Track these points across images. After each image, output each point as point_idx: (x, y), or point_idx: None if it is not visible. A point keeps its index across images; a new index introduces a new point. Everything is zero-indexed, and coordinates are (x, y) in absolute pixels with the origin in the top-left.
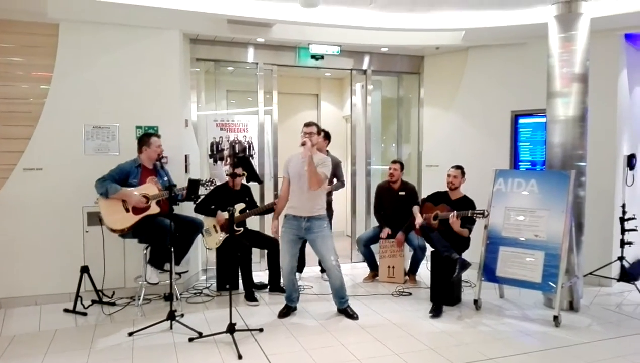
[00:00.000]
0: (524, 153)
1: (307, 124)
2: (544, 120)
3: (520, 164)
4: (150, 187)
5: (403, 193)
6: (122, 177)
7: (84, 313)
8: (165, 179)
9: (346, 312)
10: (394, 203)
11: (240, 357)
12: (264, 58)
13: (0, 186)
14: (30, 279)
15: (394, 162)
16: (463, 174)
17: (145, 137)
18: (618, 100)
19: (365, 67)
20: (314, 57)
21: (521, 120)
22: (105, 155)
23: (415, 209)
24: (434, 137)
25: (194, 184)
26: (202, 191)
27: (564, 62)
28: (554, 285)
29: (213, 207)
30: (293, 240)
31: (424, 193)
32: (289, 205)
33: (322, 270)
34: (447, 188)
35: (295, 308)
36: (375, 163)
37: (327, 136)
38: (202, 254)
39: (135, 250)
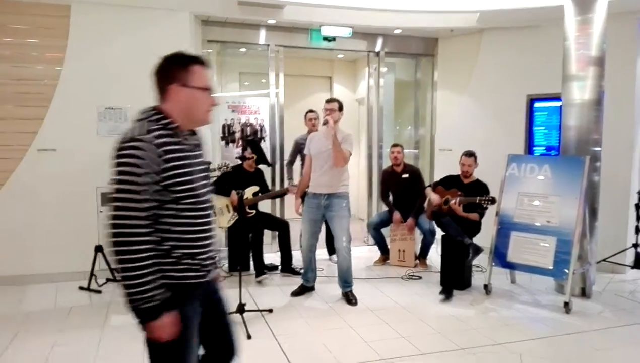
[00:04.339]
0: (539, 137)
1: (328, 101)
2: (559, 104)
3: (535, 148)
4: None
5: (407, 176)
6: None
7: (99, 291)
8: None
9: (347, 296)
10: (398, 187)
11: (249, 337)
12: (275, 40)
13: (15, 166)
14: (45, 257)
15: (394, 145)
16: (476, 159)
17: None
18: (636, 83)
19: (378, 49)
20: (325, 38)
21: (537, 104)
22: (118, 136)
23: (429, 190)
24: (448, 121)
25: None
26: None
27: (580, 45)
28: (567, 272)
29: (227, 186)
30: (313, 219)
31: (437, 177)
32: (310, 183)
33: (330, 253)
34: (459, 173)
35: (311, 289)
36: (388, 146)
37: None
38: None
39: None
